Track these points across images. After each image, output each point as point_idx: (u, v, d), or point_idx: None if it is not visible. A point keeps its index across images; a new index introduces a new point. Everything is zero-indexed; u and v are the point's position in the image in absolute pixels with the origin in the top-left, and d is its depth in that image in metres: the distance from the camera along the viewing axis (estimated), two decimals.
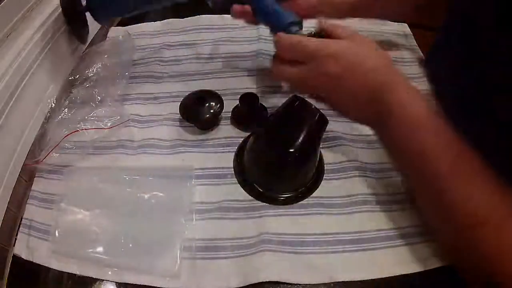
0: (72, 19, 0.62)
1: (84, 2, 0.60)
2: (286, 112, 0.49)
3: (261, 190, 0.50)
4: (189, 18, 0.75)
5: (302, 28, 0.52)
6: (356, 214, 0.47)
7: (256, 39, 0.68)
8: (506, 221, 0.35)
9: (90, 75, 0.63)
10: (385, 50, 0.63)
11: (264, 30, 0.67)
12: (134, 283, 0.43)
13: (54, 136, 0.55)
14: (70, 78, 0.63)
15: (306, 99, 0.47)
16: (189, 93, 0.58)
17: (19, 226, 0.49)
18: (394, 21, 0.68)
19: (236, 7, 0.57)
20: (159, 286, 0.43)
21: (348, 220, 0.47)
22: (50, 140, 0.55)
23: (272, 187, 0.50)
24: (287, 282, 0.42)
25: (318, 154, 0.50)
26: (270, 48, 0.59)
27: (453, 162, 0.38)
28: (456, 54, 0.50)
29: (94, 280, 0.44)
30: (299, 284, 0.42)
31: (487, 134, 0.43)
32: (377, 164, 0.51)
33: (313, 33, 0.48)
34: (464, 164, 0.38)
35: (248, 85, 0.62)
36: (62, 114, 0.58)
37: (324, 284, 0.42)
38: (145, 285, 0.43)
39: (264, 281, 0.42)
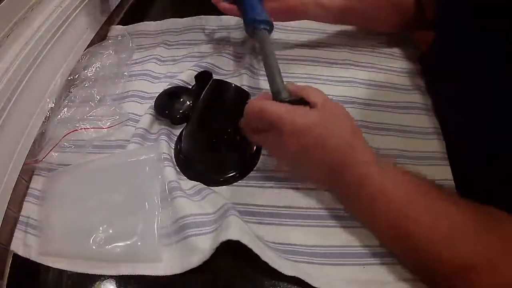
0: None
1: None
2: (210, 96, 0.52)
3: (201, 173, 0.52)
4: (188, 18, 0.75)
5: (272, 29, 0.54)
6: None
7: None
8: (495, 262, 0.34)
9: (89, 74, 0.64)
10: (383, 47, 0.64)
11: None
12: (127, 274, 0.44)
13: (54, 135, 0.56)
14: (69, 78, 0.63)
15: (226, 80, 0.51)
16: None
17: None
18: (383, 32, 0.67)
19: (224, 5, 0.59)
20: (144, 274, 0.44)
21: (300, 195, 0.49)
22: (50, 139, 0.55)
23: (210, 167, 0.53)
24: (247, 244, 0.41)
25: None
26: None
27: (428, 218, 0.38)
28: (451, 50, 0.51)
29: (94, 280, 0.45)
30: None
31: (485, 130, 0.44)
32: None
33: (287, 99, 0.45)
34: (441, 217, 0.38)
35: (246, 84, 0.62)
36: (61, 114, 0.58)
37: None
38: (133, 275, 0.44)
39: (227, 239, 0.41)
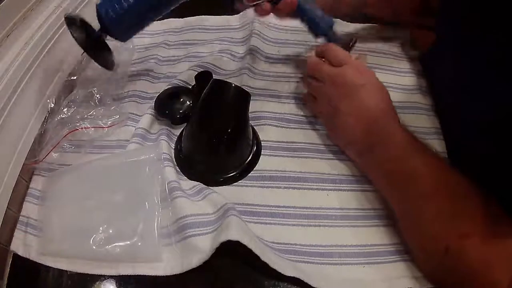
0: (94, 51, 0.53)
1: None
2: (210, 96, 0.52)
3: (201, 173, 0.52)
4: (188, 18, 0.75)
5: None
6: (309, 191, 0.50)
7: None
8: (490, 234, 0.36)
9: (89, 74, 0.63)
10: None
11: (260, 28, 0.68)
12: (127, 274, 0.44)
13: (54, 135, 0.55)
14: (69, 78, 0.63)
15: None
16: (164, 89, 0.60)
17: None
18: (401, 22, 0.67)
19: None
20: (144, 274, 0.44)
21: (300, 195, 0.49)
22: (50, 139, 0.55)
23: (211, 167, 0.53)
24: (247, 245, 0.41)
25: (250, 129, 0.54)
26: (265, 47, 0.60)
27: (438, 181, 0.40)
28: (451, 50, 0.51)
29: (94, 280, 0.45)
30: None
31: (485, 131, 0.44)
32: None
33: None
34: (448, 184, 0.40)
35: (246, 84, 0.62)
36: (61, 114, 0.58)
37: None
38: (133, 275, 0.44)
39: (227, 239, 0.41)
